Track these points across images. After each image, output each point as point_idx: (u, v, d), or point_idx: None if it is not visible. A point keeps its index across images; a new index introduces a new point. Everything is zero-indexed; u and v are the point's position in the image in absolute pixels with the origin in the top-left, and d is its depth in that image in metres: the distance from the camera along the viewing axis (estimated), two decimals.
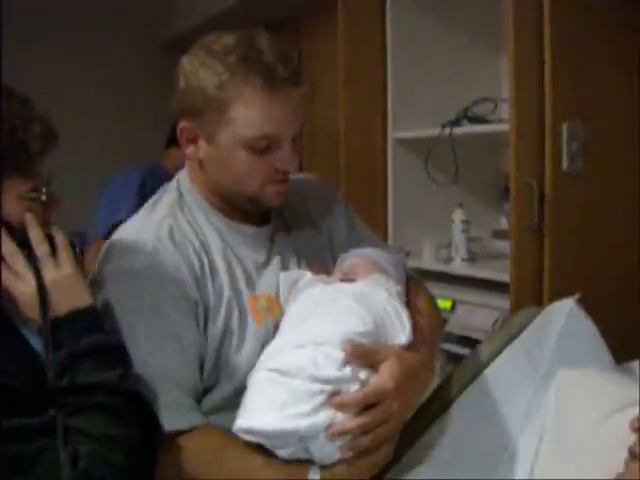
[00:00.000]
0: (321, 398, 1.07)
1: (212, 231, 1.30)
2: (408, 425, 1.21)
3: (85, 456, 0.95)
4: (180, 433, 1.13)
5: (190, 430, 1.14)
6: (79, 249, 1.15)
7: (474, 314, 2.26)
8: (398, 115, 2.61)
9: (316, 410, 1.06)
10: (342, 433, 1.07)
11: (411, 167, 2.61)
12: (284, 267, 1.34)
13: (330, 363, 1.09)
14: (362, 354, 1.12)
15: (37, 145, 1.08)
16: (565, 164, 1.93)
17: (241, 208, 1.32)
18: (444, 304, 2.34)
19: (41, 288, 1.05)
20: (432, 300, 1.45)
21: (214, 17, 3.65)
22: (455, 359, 2.16)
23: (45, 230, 1.09)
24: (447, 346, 2.27)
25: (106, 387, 1.03)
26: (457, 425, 1.27)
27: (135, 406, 1.05)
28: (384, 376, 1.12)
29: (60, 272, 1.08)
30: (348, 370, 1.09)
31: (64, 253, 1.09)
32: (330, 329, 1.14)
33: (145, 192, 2.65)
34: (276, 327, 1.26)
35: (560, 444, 1.17)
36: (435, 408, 1.30)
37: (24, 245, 1.07)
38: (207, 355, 1.21)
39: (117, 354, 1.09)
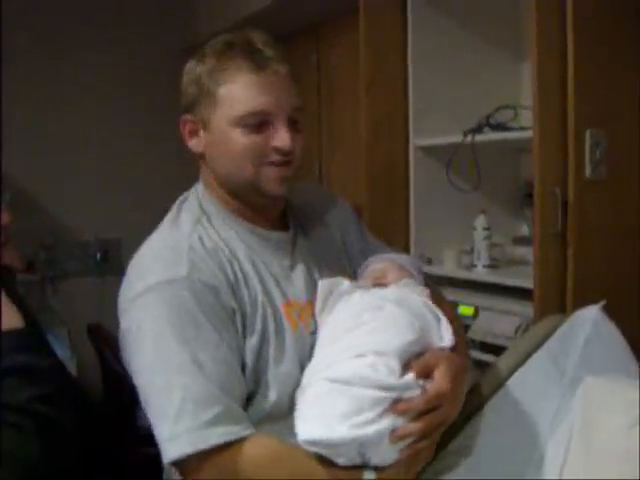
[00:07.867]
0: (385, 405, 1.09)
1: (236, 238, 1.29)
2: None
3: None
4: (232, 443, 1.12)
5: (242, 439, 1.13)
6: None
7: (496, 320, 2.25)
8: (420, 122, 2.60)
9: (380, 417, 1.09)
10: (405, 437, 1.10)
11: (433, 174, 2.60)
12: (309, 272, 1.34)
13: (391, 372, 1.11)
14: (423, 369, 1.15)
15: None
16: (588, 171, 1.93)
17: (249, 201, 1.30)
18: (467, 311, 2.34)
19: None
20: (452, 305, 1.48)
21: (234, 24, 3.67)
22: (478, 366, 2.16)
23: None
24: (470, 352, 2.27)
25: (14, 407, 1.01)
26: (485, 430, 1.28)
27: (43, 426, 1.02)
28: (441, 381, 1.14)
29: None
30: (411, 377, 1.12)
31: None
32: (385, 339, 1.15)
33: None
34: (312, 334, 1.26)
35: (587, 451, 1.17)
36: (462, 414, 1.30)
37: None
38: (247, 363, 1.20)
39: (41, 375, 1.05)
